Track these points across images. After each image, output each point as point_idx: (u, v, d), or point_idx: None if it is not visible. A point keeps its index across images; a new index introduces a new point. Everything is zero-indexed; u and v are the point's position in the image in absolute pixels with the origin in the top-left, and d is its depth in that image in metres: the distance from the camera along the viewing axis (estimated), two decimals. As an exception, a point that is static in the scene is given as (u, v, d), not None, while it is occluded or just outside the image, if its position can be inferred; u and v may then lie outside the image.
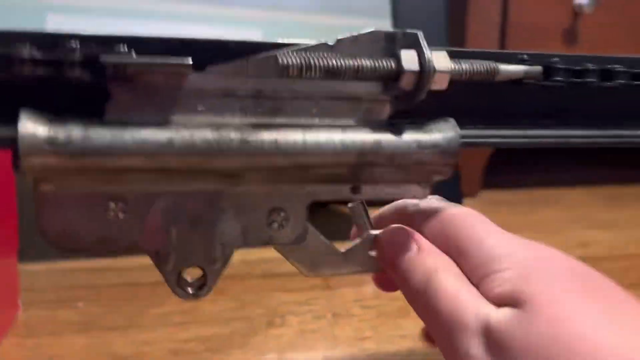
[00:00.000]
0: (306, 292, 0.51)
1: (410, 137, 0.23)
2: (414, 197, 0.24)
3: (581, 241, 0.70)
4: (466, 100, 0.25)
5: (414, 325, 0.45)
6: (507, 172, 1.07)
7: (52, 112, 0.20)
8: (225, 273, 0.55)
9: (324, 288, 0.52)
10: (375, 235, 0.25)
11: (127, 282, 0.52)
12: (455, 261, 0.22)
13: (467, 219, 0.23)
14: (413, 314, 0.47)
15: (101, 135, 0.19)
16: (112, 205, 0.21)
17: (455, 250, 0.22)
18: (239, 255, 0.59)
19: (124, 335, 0.41)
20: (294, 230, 0.24)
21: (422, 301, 0.22)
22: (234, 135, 0.21)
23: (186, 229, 0.22)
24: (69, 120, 0.19)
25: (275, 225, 0.23)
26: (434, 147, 0.23)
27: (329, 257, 0.25)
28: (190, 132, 0.20)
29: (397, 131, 0.23)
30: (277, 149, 0.21)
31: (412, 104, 0.22)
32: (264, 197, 0.23)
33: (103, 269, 0.55)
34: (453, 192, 0.66)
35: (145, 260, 0.59)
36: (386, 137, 0.22)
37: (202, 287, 0.23)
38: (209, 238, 0.23)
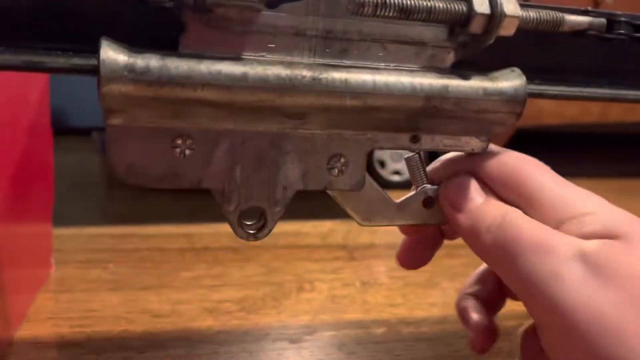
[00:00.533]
0: (332, 262, 0.51)
1: (476, 83, 0.23)
2: (473, 150, 0.25)
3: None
4: (526, 52, 0.25)
5: (442, 295, 0.45)
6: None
7: (128, 41, 0.20)
8: (251, 243, 0.56)
9: (349, 259, 0.53)
10: (433, 188, 0.26)
11: (153, 247, 0.52)
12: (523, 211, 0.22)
13: (531, 168, 0.23)
14: (440, 284, 0.47)
15: (178, 65, 0.20)
16: (179, 141, 0.22)
17: (525, 199, 0.22)
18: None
19: (158, 294, 0.42)
20: (353, 177, 0.24)
21: (499, 236, 0.21)
22: (306, 72, 0.21)
23: (250, 169, 0.22)
24: (146, 51, 0.20)
25: (335, 170, 0.23)
26: (501, 94, 0.23)
27: (383, 207, 0.25)
28: (263, 67, 0.21)
29: (464, 77, 0.23)
30: (347, 89, 0.21)
31: (478, 49, 0.23)
32: (326, 141, 0.23)
33: (128, 235, 0.56)
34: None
35: (169, 229, 0.59)
36: (453, 82, 0.22)
37: (262, 228, 0.24)
38: (272, 179, 0.23)
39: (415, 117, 0.23)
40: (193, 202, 0.69)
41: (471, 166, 0.25)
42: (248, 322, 0.38)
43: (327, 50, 0.22)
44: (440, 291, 0.46)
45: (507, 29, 0.22)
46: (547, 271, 0.19)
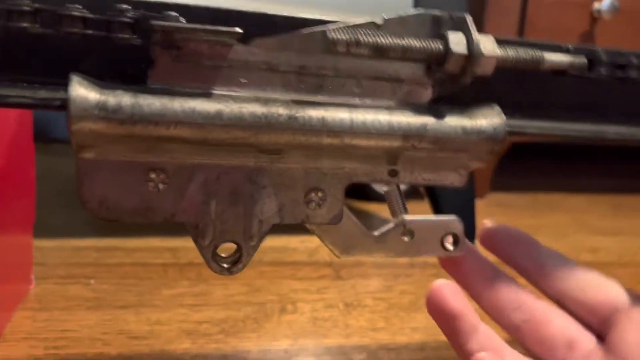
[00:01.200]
0: (316, 281, 0.51)
1: (455, 122, 0.22)
2: (452, 184, 0.24)
3: (590, 246, 0.70)
4: (506, 89, 0.25)
5: (425, 318, 0.45)
6: (511, 176, 1.07)
7: (94, 75, 0.19)
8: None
9: (334, 278, 0.52)
10: (412, 219, 0.25)
11: (137, 262, 0.52)
12: None
13: None
14: (423, 307, 0.47)
15: (150, 103, 0.19)
16: (152, 175, 0.21)
17: None
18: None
19: (137, 314, 0.41)
20: (331, 210, 0.23)
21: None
22: (282, 110, 0.21)
23: (226, 203, 0.22)
24: (117, 87, 0.19)
25: (313, 204, 0.23)
26: (479, 133, 0.22)
27: (362, 240, 0.25)
28: (239, 105, 0.20)
29: (442, 115, 0.22)
30: (324, 127, 0.21)
31: (455, 88, 0.22)
32: (303, 176, 0.23)
33: (112, 248, 0.55)
34: (467, 192, 0.66)
35: (154, 242, 0.59)
36: (431, 121, 0.22)
37: (236, 262, 0.23)
38: (248, 213, 0.22)
39: (394, 153, 0.23)
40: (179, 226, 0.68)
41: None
42: (226, 346, 0.38)
43: (301, 85, 0.22)
44: (424, 315, 0.45)
45: (485, 68, 0.22)
46: None
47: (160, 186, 0.21)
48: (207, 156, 0.21)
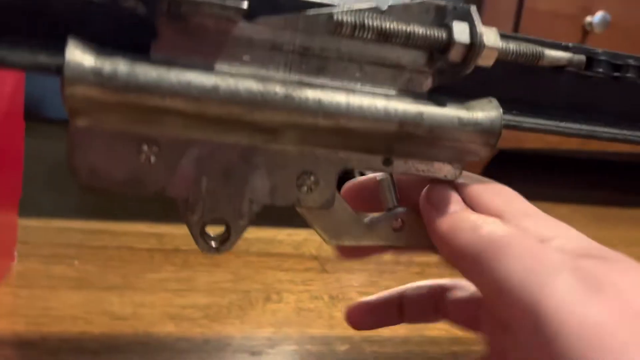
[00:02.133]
0: (302, 273, 0.51)
1: (452, 112, 0.22)
2: (445, 177, 0.24)
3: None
4: (504, 84, 0.25)
5: (409, 314, 0.45)
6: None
7: (97, 42, 0.19)
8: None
9: (320, 271, 0.52)
10: (403, 210, 0.25)
11: (122, 246, 0.52)
12: None
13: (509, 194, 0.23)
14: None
15: (146, 72, 0.19)
16: (145, 147, 0.21)
17: (506, 220, 0.22)
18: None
19: (121, 296, 0.41)
20: (322, 195, 0.23)
21: (479, 239, 0.21)
22: (279, 89, 0.21)
23: (217, 180, 0.22)
24: (115, 54, 0.19)
25: (305, 188, 0.23)
26: (476, 125, 0.23)
27: (352, 227, 0.25)
28: (235, 80, 0.20)
29: (440, 104, 0.22)
30: (320, 108, 0.21)
31: (456, 77, 0.22)
32: (296, 158, 0.23)
33: (98, 231, 0.55)
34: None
35: (140, 227, 0.58)
36: (428, 109, 0.22)
37: (225, 241, 0.23)
38: (239, 192, 0.22)
39: (389, 141, 0.23)
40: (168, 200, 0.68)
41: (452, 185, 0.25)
42: (210, 331, 0.38)
43: (304, 66, 0.22)
44: (408, 310, 0.46)
45: (486, 60, 0.22)
46: (534, 278, 0.19)
47: (152, 159, 0.21)
48: (201, 131, 0.21)
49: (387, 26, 0.21)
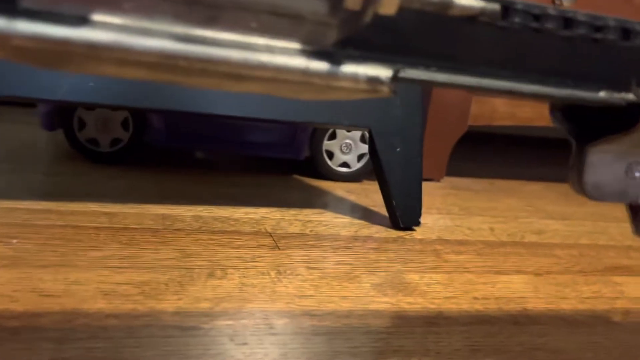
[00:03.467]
0: (253, 250, 0.50)
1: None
2: None
3: (537, 228, 0.70)
4: (416, 37, 0.24)
5: (357, 288, 0.44)
6: (469, 162, 1.08)
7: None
8: (175, 226, 0.53)
9: (272, 248, 0.51)
10: None
11: (68, 225, 0.50)
12: None
13: None
14: (359, 278, 0.46)
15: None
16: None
17: None
18: (192, 212, 0.57)
19: (55, 273, 0.39)
20: None
21: None
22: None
23: None
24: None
25: None
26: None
27: None
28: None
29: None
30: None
31: (358, 26, 0.21)
32: None
33: (46, 211, 0.53)
34: (415, 173, 0.65)
35: (92, 206, 0.56)
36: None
37: None
38: None
39: None
40: (128, 181, 0.67)
41: None
42: (143, 307, 0.36)
43: (193, 16, 0.20)
44: (357, 285, 0.45)
45: (387, 7, 0.21)
46: None
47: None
48: None
49: (276, -32, 0.19)
